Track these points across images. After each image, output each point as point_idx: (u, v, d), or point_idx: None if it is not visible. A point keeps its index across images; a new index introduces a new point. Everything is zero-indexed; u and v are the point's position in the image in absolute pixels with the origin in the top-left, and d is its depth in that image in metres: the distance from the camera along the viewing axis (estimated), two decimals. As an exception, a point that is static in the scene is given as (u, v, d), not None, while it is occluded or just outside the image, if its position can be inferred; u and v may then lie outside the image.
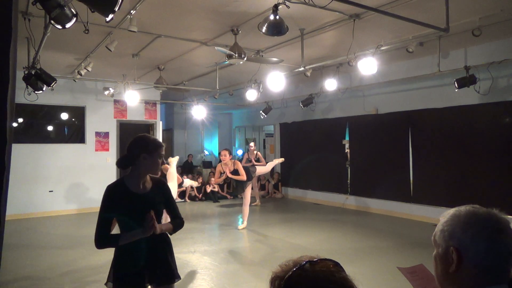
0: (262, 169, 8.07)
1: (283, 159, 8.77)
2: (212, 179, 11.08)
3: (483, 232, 1.01)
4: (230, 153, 7.14)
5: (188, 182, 6.73)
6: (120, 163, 2.31)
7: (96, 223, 2.22)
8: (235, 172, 6.95)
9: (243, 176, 6.92)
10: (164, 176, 5.18)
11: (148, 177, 2.35)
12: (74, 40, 5.87)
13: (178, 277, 2.47)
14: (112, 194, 2.24)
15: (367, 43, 5.86)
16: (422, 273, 1.45)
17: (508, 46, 6.24)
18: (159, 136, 10.55)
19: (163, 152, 2.37)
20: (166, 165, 5.08)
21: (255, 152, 9.76)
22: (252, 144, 10.00)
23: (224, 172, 6.96)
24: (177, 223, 2.45)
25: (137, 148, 2.28)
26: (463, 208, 1.08)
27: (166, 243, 2.46)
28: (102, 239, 2.20)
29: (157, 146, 2.32)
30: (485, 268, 1.00)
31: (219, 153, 14.30)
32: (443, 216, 1.11)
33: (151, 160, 2.27)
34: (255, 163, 9.44)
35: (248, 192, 7.18)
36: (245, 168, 7.17)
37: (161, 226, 2.29)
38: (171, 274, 2.42)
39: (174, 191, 4.86)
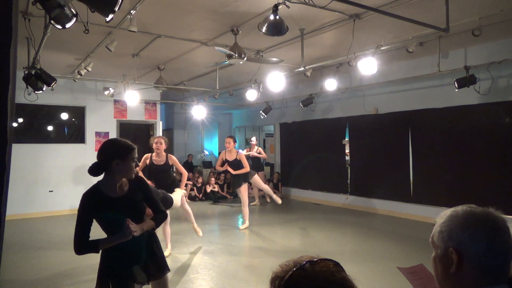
0: (258, 181, 7.53)
1: (280, 201, 7.88)
2: (212, 179, 11.13)
3: (482, 231, 1.01)
4: (235, 141, 7.08)
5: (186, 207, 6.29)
6: (92, 171, 2.20)
7: (75, 230, 2.17)
8: (237, 162, 6.86)
9: (246, 168, 6.83)
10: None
11: (124, 179, 2.29)
12: (74, 40, 5.86)
13: (168, 269, 2.50)
14: (89, 201, 2.18)
15: (367, 43, 5.86)
16: (422, 273, 1.45)
17: (508, 46, 6.24)
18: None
19: (136, 155, 2.29)
20: (138, 167, 5.11)
21: (256, 147, 10.05)
22: (253, 138, 10.35)
23: (226, 161, 6.92)
24: (159, 217, 2.39)
25: (108, 154, 2.20)
26: (460, 208, 1.07)
27: (154, 239, 2.46)
28: (80, 246, 2.15)
29: (129, 149, 2.24)
30: (485, 267, 1.00)
31: (220, 153, 14.33)
32: (440, 217, 1.10)
33: (124, 165, 2.20)
34: (257, 154, 9.95)
35: (244, 191, 7.06)
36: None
37: (142, 225, 2.23)
38: (162, 267, 2.45)
39: (177, 199, 4.90)
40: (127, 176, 2.25)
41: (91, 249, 2.16)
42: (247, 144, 13.66)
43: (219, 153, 14.18)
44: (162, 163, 5.38)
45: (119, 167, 2.18)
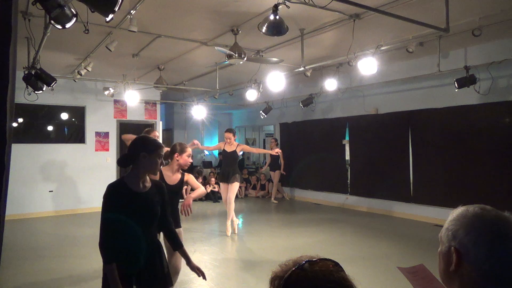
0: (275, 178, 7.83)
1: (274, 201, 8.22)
2: (213, 179, 11.13)
3: (486, 237, 0.98)
4: (234, 134, 6.90)
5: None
6: (121, 161, 2.38)
7: (101, 224, 2.20)
8: (235, 154, 6.73)
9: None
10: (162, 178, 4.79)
11: (147, 178, 2.39)
12: (74, 40, 5.87)
13: (171, 284, 2.49)
14: (114, 192, 2.26)
15: (367, 43, 5.86)
16: (422, 273, 1.45)
17: (508, 46, 6.24)
18: (159, 136, 10.54)
19: (163, 153, 2.40)
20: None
21: (276, 147, 10.32)
22: (273, 140, 10.90)
23: (223, 151, 6.81)
24: (179, 241, 2.62)
25: (137, 147, 2.34)
26: (471, 209, 1.05)
27: (157, 250, 2.46)
28: (107, 246, 2.18)
29: (156, 146, 2.36)
30: (486, 273, 0.97)
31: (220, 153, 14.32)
32: (452, 213, 1.08)
33: (150, 160, 2.31)
34: (274, 153, 10.20)
35: (232, 190, 6.61)
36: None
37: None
38: (163, 280, 2.42)
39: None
40: (152, 171, 2.35)
41: (107, 257, 2.17)
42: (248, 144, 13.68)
43: (219, 153, 14.19)
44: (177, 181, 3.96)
45: (146, 160, 2.29)
